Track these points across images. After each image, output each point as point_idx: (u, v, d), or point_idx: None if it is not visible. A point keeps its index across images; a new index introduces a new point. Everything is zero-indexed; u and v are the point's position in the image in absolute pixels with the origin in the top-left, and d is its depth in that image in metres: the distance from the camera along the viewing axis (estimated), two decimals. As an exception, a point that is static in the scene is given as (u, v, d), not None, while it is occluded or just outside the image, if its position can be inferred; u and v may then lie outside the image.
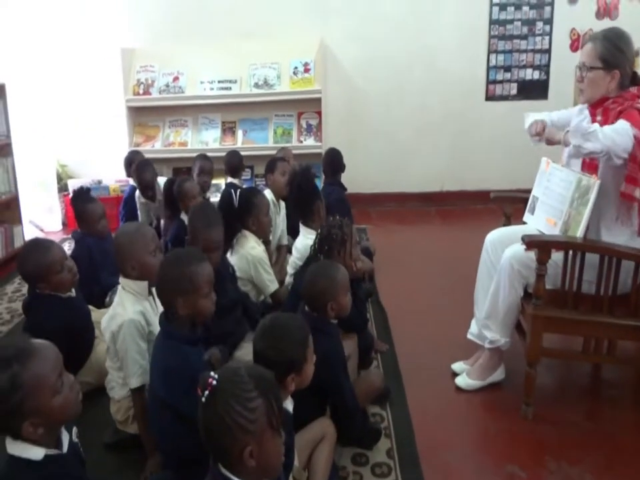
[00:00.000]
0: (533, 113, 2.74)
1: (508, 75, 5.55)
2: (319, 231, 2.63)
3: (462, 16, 5.40)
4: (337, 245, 2.52)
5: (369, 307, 3.39)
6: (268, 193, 3.73)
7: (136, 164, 4.25)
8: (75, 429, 1.61)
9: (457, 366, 2.77)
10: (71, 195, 3.54)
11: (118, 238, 2.31)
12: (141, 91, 5.43)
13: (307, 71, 5.33)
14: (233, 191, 3.30)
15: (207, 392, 1.28)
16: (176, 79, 5.44)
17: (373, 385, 2.44)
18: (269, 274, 3.06)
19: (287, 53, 5.34)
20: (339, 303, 2.17)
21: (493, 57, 5.51)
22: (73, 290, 2.63)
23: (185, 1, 5.44)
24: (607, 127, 2.25)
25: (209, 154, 4.71)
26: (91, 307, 2.90)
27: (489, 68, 5.54)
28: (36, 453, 1.42)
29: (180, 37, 5.44)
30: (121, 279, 2.27)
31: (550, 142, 2.53)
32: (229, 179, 4.42)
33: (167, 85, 5.44)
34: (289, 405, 1.77)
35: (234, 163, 4.40)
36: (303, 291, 2.20)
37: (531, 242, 2.32)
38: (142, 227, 2.41)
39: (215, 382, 1.28)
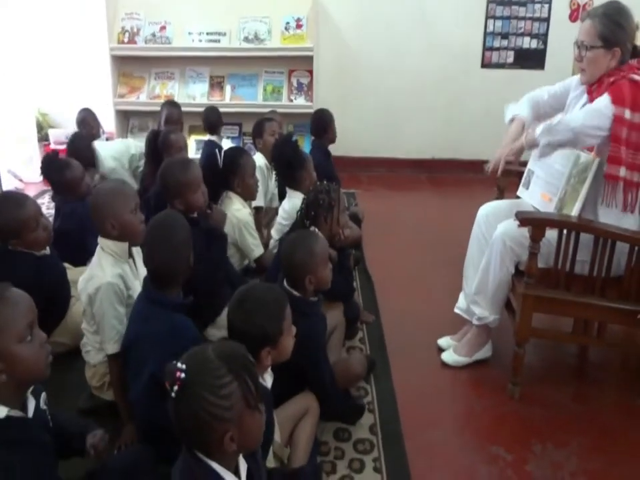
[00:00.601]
0: (512, 105, 2.66)
1: (505, 43, 5.38)
2: (306, 196, 2.53)
3: (461, -23, 5.21)
4: (324, 211, 2.42)
5: (355, 276, 3.31)
6: (260, 157, 3.60)
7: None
8: (43, 395, 1.54)
9: (443, 341, 2.72)
10: (40, 165, 3.12)
11: (95, 196, 2.18)
12: (126, 40, 5.22)
13: (299, 26, 5.14)
14: (217, 150, 3.16)
15: (176, 387, 1.18)
16: (163, 28, 5.23)
17: (353, 370, 2.27)
18: (254, 238, 2.97)
19: (278, 7, 5.14)
20: (318, 276, 2.05)
21: (490, 22, 5.34)
22: (47, 248, 2.50)
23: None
24: (576, 110, 2.17)
25: (197, 109, 4.54)
26: (67, 265, 2.78)
27: (485, 34, 5.37)
28: None
29: (167, -16, 5.21)
30: (100, 239, 2.16)
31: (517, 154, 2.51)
32: (208, 137, 4.22)
33: (153, 35, 5.23)
34: (268, 379, 1.70)
35: (212, 120, 4.18)
36: (282, 262, 2.11)
37: (524, 219, 2.25)
38: (121, 184, 2.28)
39: (183, 374, 1.18)
